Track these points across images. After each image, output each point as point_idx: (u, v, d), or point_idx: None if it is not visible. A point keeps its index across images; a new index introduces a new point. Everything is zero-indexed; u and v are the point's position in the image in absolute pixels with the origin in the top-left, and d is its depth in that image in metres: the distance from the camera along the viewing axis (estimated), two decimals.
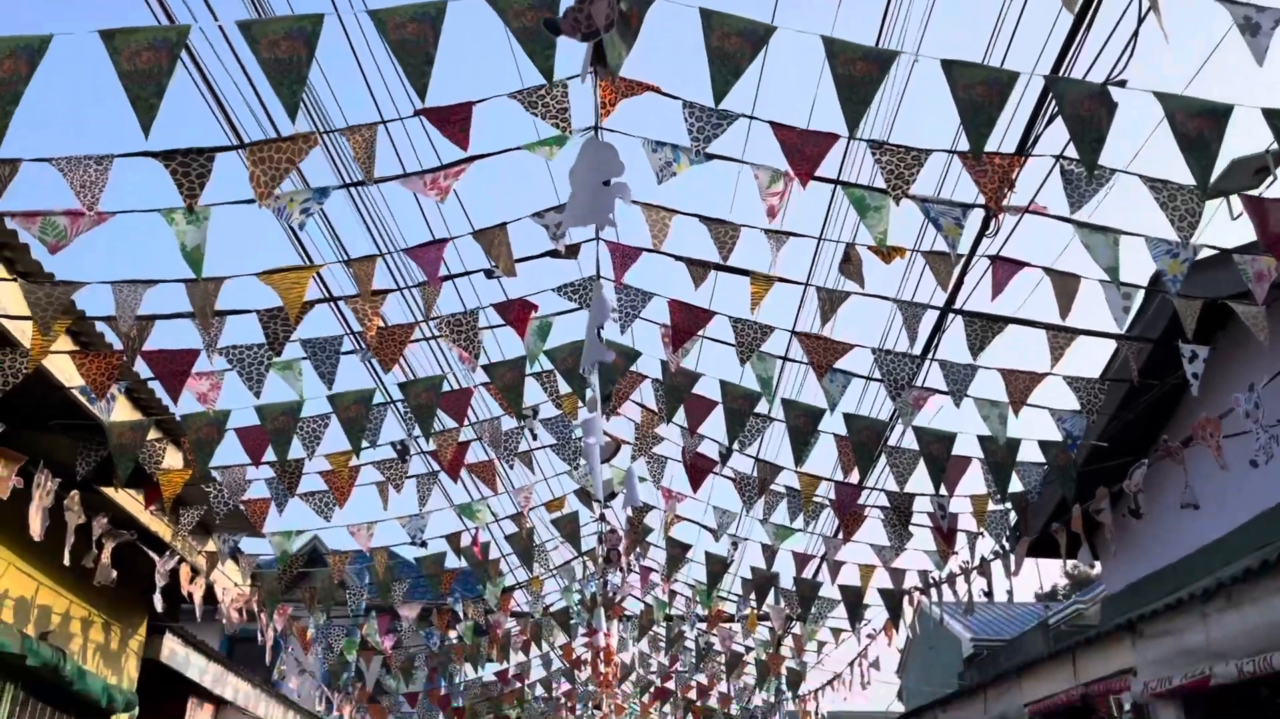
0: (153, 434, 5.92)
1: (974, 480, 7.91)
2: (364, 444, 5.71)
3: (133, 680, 8.72)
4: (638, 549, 9.28)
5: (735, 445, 6.25)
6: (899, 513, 6.65)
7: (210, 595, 8.15)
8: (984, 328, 4.99)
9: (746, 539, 8.55)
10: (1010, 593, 7.60)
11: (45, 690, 7.19)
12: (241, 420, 5.75)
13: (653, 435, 6.84)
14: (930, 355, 5.40)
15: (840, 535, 7.35)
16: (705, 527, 8.46)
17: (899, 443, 6.34)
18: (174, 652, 9.26)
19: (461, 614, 10.02)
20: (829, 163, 4.06)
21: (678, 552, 8.74)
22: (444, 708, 14.78)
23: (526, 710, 17.50)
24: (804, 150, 3.89)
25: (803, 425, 5.87)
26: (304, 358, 5.17)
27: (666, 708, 16.27)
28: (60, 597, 7.34)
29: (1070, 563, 50.50)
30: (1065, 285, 4.63)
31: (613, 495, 8.04)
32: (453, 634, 11.95)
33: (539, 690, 16.00)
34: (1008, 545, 7.04)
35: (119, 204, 6.10)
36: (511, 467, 6.92)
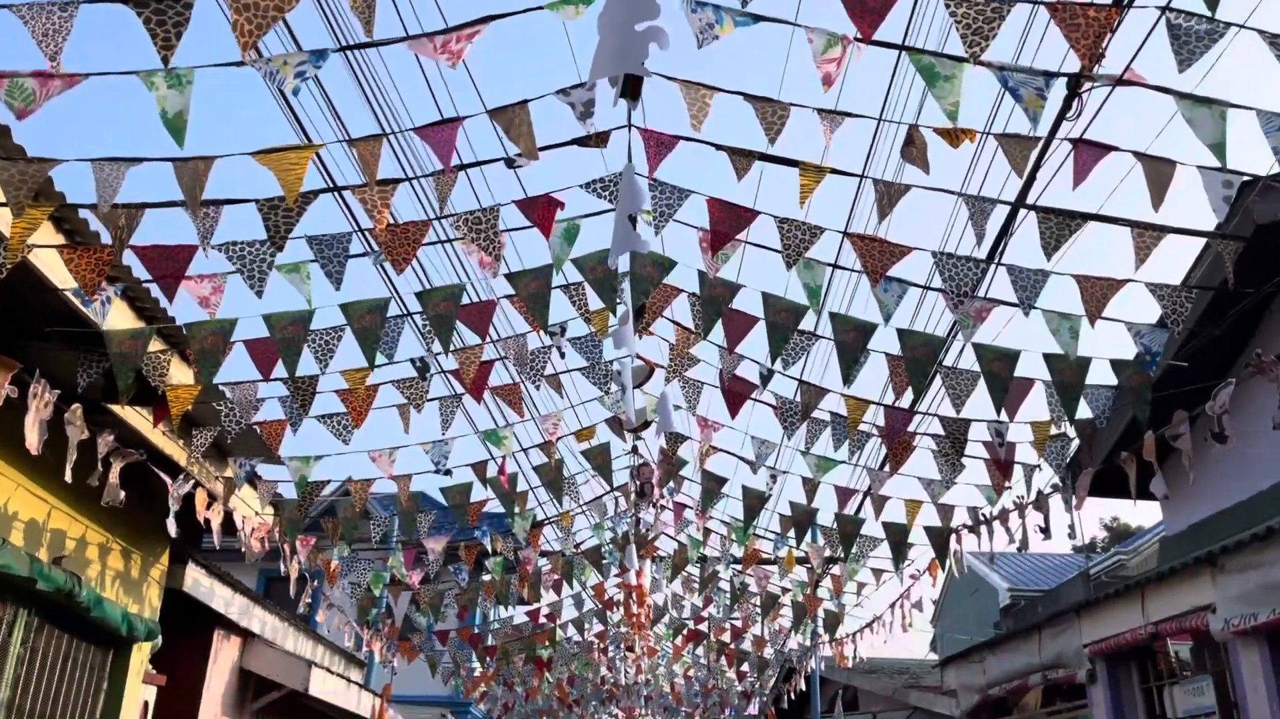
0: (156, 345, 5.56)
1: (1035, 406, 7.34)
2: (380, 359, 5.31)
3: (155, 610, 8.51)
4: (671, 483, 8.87)
5: (777, 365, 5.79)
6: (953, 441, 6.15)
7: (231, 525, 7.89)
8: (1060, 225, 4.44)
9: (786, 473, 8.09)
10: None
11: (61, 617, 6.96)
12: (248, 331, 5.37)
13: (688, 357, 6.38)
14: (997, 259, 4.88)
15: (887, 467, 6.87)
16: (743, 458, 8.03)
17: (955, 362, 5.84)
18: (197, 582, 9.04)
19: (490, 549, 9.69)
20: (892, 28, 3.54)
21: (713, 485, 8.32)
22: (474, 646, 14.61)
23: (558, 652, 17.35)
24: (867, 1, 3.37)
25: (852, 341, 5.37)
26: (311, 260, 4.76)
27: (699, 650, 16.01)
28: (75, 522, 7.08)
29: (1110, 515, 49.54)
30: (1158, 172, 4.07)
31: (646, 425, 7.62)
32: (482, 574, 11.70)
33: (570, 631, 15.80)
34: (1068, 478, 6.53)
35: (104, 97, 5.73)
36: (538, 387, 6.51)
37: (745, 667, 15.90)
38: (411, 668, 18.75)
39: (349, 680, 11.82)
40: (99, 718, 7.63)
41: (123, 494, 6.22)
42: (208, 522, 7.26)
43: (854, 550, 8.82)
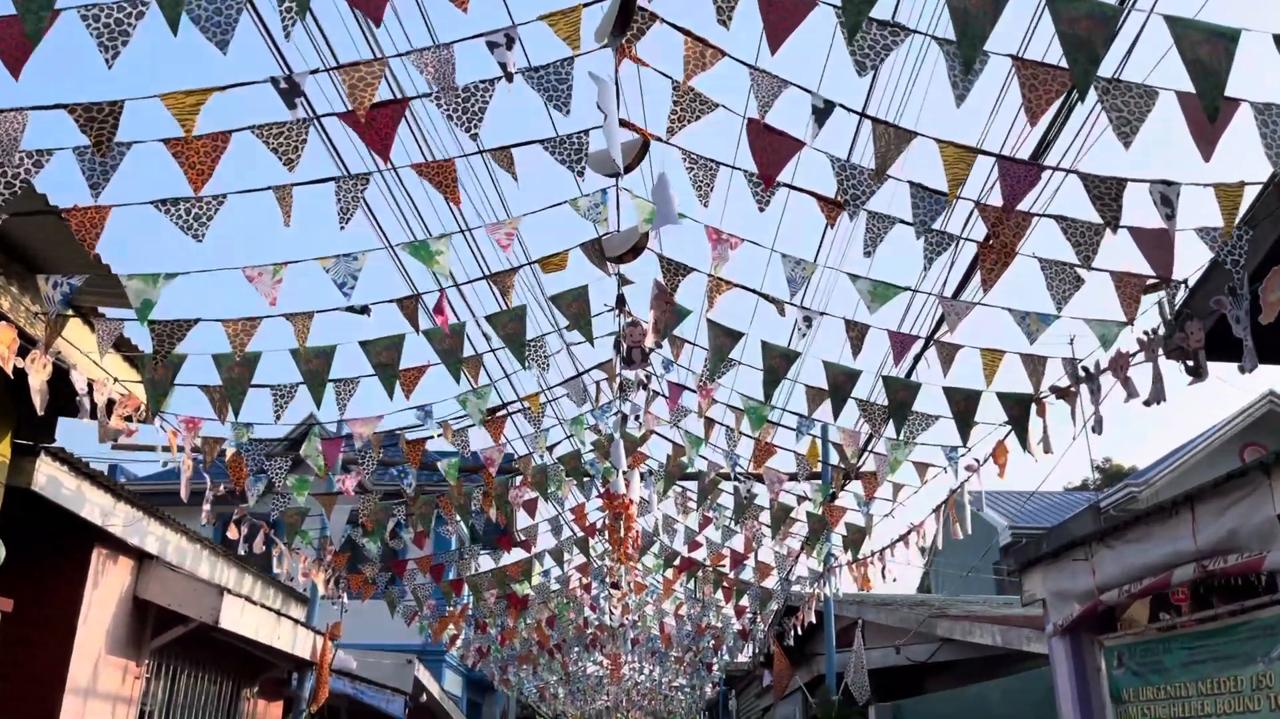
0: None
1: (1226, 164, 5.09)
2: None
3: None
4: (666, 345, 6.77)
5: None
6: (1104, 203, 4.05)
7: (69, 390, 5.78)
8: None
9: (822, 314, 5.98)
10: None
11: None
12: None
13: (698, 101, 4.25)
14: None
15: (981, 273, 4.77)
16: (765, 296, 5.92)
17: (1120, 70, 3.75)
18: (55, 481, 6.89)
19: (442, 434, 7.58)
20: None
21: (724, 341, 6.24)
22: (437, 578, 12.57)
23: (535, 589, 15.34)
24: None
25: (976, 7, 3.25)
26: None
27: (692, 583, 14.04)
28: None
29: (1102, 455, 47.84)
30: None
31: (638, 247, 5.50)
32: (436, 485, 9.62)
33: (548, 563, 13.79)
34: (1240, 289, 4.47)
35: None
36: (477, 141, 4.34)
37: (745, 600, 13.95)
38: (376, 613, 16.76)
39: (281, 614, 9.74)
40: None
41: None
42: (25, 373, 5.10)
43: (903, 431, 6.77)
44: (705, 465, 9.70)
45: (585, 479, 11.59)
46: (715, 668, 22.15)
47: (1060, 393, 6.19)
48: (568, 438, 9.61)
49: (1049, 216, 4.41)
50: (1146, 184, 4.07)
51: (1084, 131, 4.40)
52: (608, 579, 15.39)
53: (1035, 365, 5.94)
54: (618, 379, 8.12)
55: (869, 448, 7.71)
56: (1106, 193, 4.04)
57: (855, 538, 9.69)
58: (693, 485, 11.69)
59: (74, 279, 4.76)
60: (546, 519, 12.58)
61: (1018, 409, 6.37)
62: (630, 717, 38.06)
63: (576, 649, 21.50)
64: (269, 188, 4.41)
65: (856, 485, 9.92)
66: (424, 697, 16.92)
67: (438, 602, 14.17)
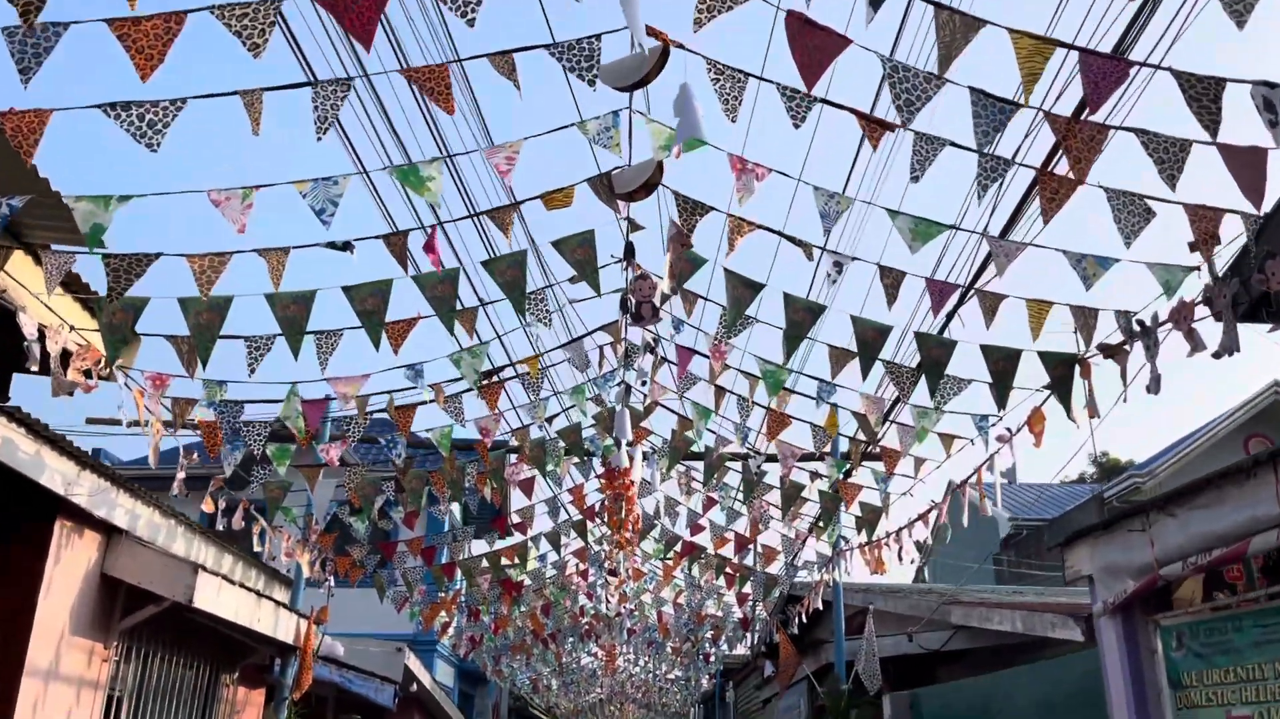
0: None
1: None
2: None
3: None
4: (678, 299, 6.20)
5: None
6: (1202, 106, 3.48)
7: (36, 354, 5.20)
8: None
9: (853, 260, 5.41)
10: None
11: None
12: None
13: None
14: None
15: (1041, 202, 4.20)
16: (791, 239, 5.36)
17: None
18: (10, 444, 6.30)
19: (434, 398, 6.99)
20: None
21: (743, 293, 5.69)
22: (428, 562, 12.01)
23: (530, 574, 14.79)
24: None
25: None
26: None
27: (694, 570, 13.50)
28: None
29: (1100, 449, 47.57)
30: None
31: (652, 183, 4.93)
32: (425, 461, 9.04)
33: (544, 547, 13.23)
34: None
35: None
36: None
37: (748, 587, 13.41)
38: (366, 600, 16.18)
39: (262, 596, 9.15)
40: None
41: None
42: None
43: (936, 396, 6.22)
44: (713, 441, 9.14)
45: (585, 457, 11.04)
46: (712, 659, 21.64)
47: (1109, 351, 5.64)
48: (565, 411, 9.05)
49: (1129, 130, 3.85)
50: (1248, 85, 3.51)
51: (1172, 25, 3.84)
52: (606, 565, 14.84)
53: (1086, 318, 5.39)
54: (623, 343, 7.55)
55: (892, 417, 7.16)
56: (1204, 94, 3.49)
57: (870, 518, 9.15)
58: (697, 466, 11.15)
59: (14, 199, 4.17)
60: (543, 500, 12.03)
61: (1061, 369, 5.82)
62: (624, 710, 37.55)
63: (571, 640, 20.97)
64: (235, 92, 3.83)
65: (874, 462, 9.39)
66: (414, 686, 16.34)
67: (429, 587, 13.61)
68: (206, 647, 9.43)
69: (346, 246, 4.81)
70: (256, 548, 9.21)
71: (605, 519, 12.22)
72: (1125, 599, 5.05)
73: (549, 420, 8.76)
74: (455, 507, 10.24)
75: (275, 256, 4.74)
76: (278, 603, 9.69)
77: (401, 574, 12.36)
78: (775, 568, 12.44)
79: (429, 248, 4.88)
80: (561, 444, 9.50)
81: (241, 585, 8.63)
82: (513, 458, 9.95)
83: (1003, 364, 5.78)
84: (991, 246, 4.87)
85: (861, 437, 8.46)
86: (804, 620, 13.00)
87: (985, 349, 5.79)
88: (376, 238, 4.90)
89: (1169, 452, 25.45)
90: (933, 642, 11.14)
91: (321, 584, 11.65)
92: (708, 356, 7.22)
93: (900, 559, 9.11)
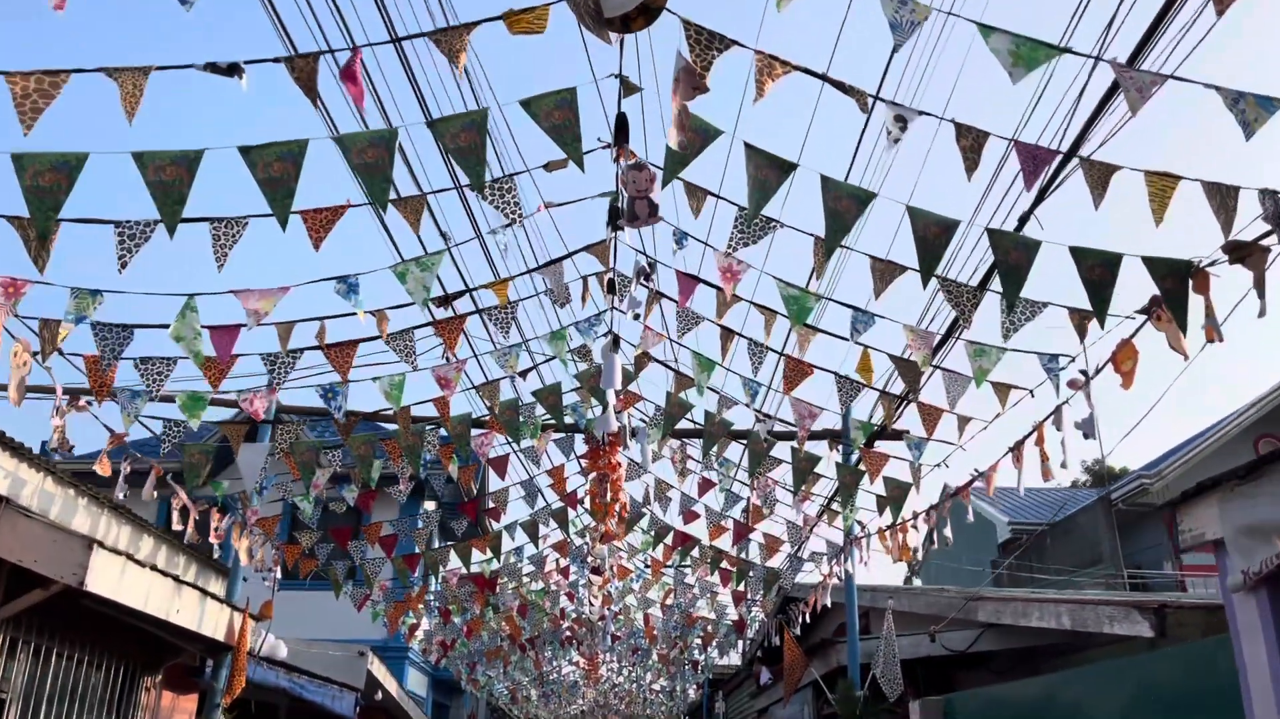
0: None
1: None
2: None
3: None
4: (681, 197, 4.85)
5: None
6: None
7: None
8: None
9: (920, 115, 4.07)
10: None
11: None
12: None
13: None
14: None
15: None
16: (843, 86, 4.03)
17: None
18: None
19: (377, 334, 5.57)
20: None
21: (768, 174, 4.36)
22: (386, 551, 10.56)
23: (504, 569, 13.36)
24: None
25: None
26: None
27: (686, 564, 12.12)
28: None
29: (1092, 457, 46.79)
30: None
31: (651, 10, 3.61)
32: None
33: (520, 538, 11.82)
34: None
35: None
36: None
37: (744, 585, 12.03)
38: (329, 602, 14.69)
39: (182, 583, 7.71)
40: None
41: None
42: None
43: (1010, 317, 4.90)
44: (715, 405, 7.79)
45: (568, 432, 9.67)
46: (701, 667, 20.20)
47: (1240, 253, 4.33)
48: (538, 367, 7.68)
49: None
50: None
51: None
52: (588, 561, 13.44)
53: (1224, 198, 4.07)
54: (611, 272, 6.20)
55: (939, 359, 5.82)
56: None
57: (896, 495, 7.80)
58: (693, 443, 9.80)
59: None
60: (519, 483, 10.63)
61: (1172, 282, 4.51)
62: None
63: (551, 648, 19.50)
64: None
65: (893, 441, 8.09)
66: (379, 694, 14.84)
67: (392, 583, 12.19)
68: (121, 643, 7.97)
69: (233, 70, 3.46)
70: (177, 526, 7.76)
71: (589, 507, 10.83)
72: (1275, 568, 3.76)
73: (522, 375, 7.39)
74: (426, 505, 8.84)
75: (131, 79, 3.36)
76: (206, 593, 8.23)
77: (360, 566, 10.92)
78: (777, 560, 11.08)
79: (348, 75, 3.51)
80: (538, 409, 8.12)
81: (153, 568, 7.20)
82: (479, 432, 8.57)
83: (1100, 271, 4.46)
84: (1119, 77, 3.55)
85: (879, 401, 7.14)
86: (807, 620, 11.65)
87: (1077, 252, 4.47)
88: (275, 61, 3.53)
89: (1177, 452, 24.38)
90: (957, 642, 9.80)
91: (265, 576, 10.21)
92: (716, 286, 5.87)
93: (934, 542, 7.75)
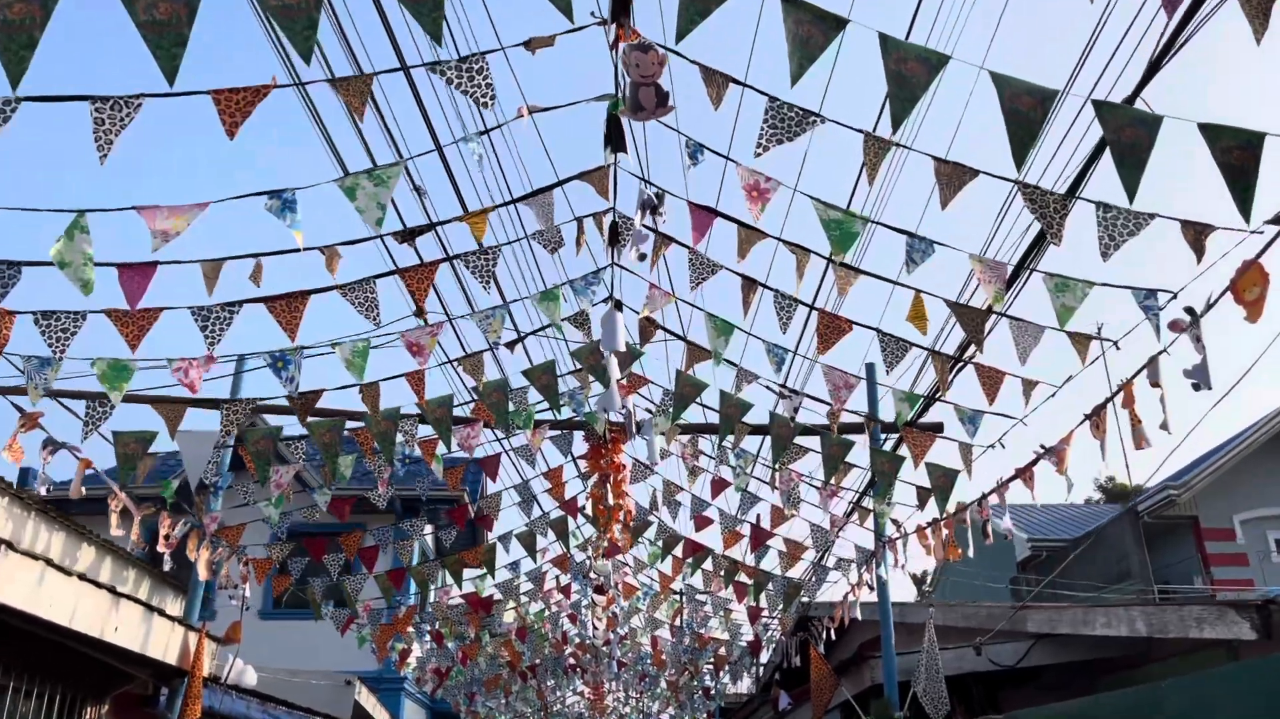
0: None
1: None
2: None
3: None
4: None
5: None
6: None
7: None
8: None
9: None
10: None
11: None
12: None
13: None
14: None
15: None
16: None
17: None
18: None
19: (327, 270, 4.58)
20: None
21: (811, 30, 3.36)
22: (367, 564, 9.45)
23: (502, 590, 12.24)
24: None
25: None
26: None
27: (696, 575, 10.99)
28: None
29: (1105, 474, 45.56)
30: None
31: None
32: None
33: (515, 552, 10.73)
34: None
35: None
36: None
37: (761, 600, 10.90)
38: (320, 631, 13.54)
39: (120, 595, 6.61)
40: None
41: None
42: None
43: (1113, 231, 3.88)
44: (733, 383, 6.74)
45: (563, 427, 8.63)
46: (713, 694, 18.94)
47: None
48: (522, 338, 6.63)
49: None
50: None
51: None
52: (590, 577, 12.32)
53: None
54: (611, 214, 5.18)
55: (1016, 286, 4.78)
56: None
57: (943, 482, 6.72)
58: (706, 440, 8.74)
59: None
60: (513, 486, 9.56)
61: None
62: None
63: (554, 677, 18.26)
64: None
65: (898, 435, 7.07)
66: None
67: (376, 604, 11.08)
68: (59, 668, 6.87)
69: None
70: (116, 530, 6.68)
71: (591, 514, 9.75)
72: None
73: (509, 347, 6.34)
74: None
75: None
76: (153, 609, 7.13)
77: (340, 583, 9.81)
78: (799, 571, 9.98)
79: None
80: (531, 394, 7.08)
81: (83, 578, 6.11)
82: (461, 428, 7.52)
83: (1239, 155, 3.44)
84: None
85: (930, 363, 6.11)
86: (832, 637, 10.52)
87: (1210, 131, 3.45)
88: None
89: (1204, 462, 23.37)
90: (1005, 655, 8.68)
91: (233, 595, 9.10)
92: (737, 220, 4.85)
93: (987, 535, 6.66)
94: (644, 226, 4.90)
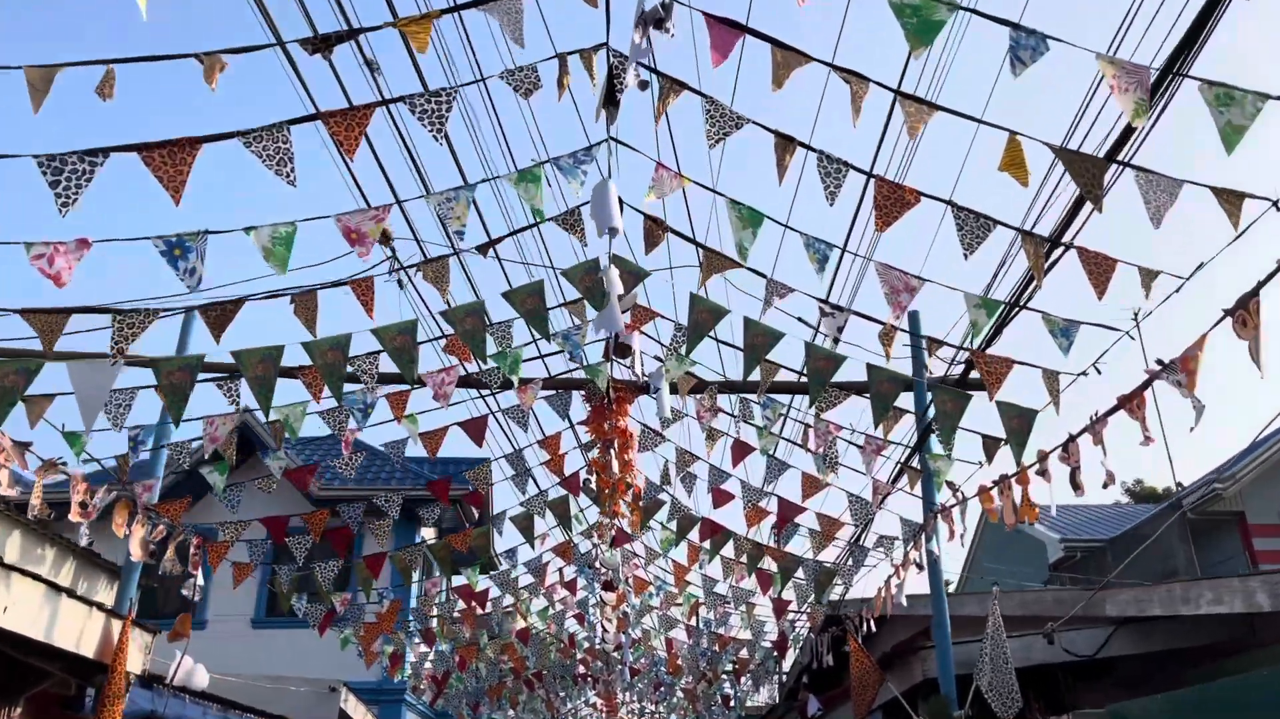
0: None
1: None
2: None
3: None
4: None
5: None
6: None
7: None
8: None
9: None
10: None
11: None
12: None
13: None
14: None
15: None
16: None
17: None
18: None
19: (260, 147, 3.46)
20: None
21: None
22: (339, 550, 8.16)
23: (501, 586, 10.94)
24: None
25: None
26: None
27: (715, 561, 9.65)
28: None
29: (1134, 478, 43.98)
30: None
31: None
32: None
33: (511, 537, 9.45)
34: None
35: None
36: None
37: (789, 593, 9.57)
38: (317, 642, 12.20)
39: (7, 567, 5.35)
40: None
41: None
42: None
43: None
44: (763, 300, 5.45)
45: (560, 386, 7.39)
46: (733, 702, 17.51)
47: None
48: (493, 242, 5.36)
49: None
50: None
51: None
52: (597, 568, 11.00)
53: None
54: (605, 49, 3.92)
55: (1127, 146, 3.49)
56: None
57: (1019, 424, 5.39)
58: (723, 397, 7.45)
59: None
60: (504, 456, 8.27)
61: None
62: None
63: (564, 688, 16.90)
64: None
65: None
66: None
67: (354, 594, 9.79)
68: None
69: None
70: (7, 490, 5.42)
71: (594, 485, 8.46)
72: None
73: (480, 251, 5.08)
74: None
75: None
76: (61, 589, 5.85)
77: (304, 567, 8.54)
78: (832, 554, 8.63)
79: None
80: (515, 324, 5.81)
81: None
82: (439, 349, 6.25)
83: None
84: None
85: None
86: (872, 629, 9.18)
87: None
88: None
89: (1249, 454, 21.90)
90: (1081, 644, 7.33)
91: (187, 586, 7.83)
92: (764, 36, 3.58)
93: (1075, 488, 5.34)
94: (648, 32, 3.63)
